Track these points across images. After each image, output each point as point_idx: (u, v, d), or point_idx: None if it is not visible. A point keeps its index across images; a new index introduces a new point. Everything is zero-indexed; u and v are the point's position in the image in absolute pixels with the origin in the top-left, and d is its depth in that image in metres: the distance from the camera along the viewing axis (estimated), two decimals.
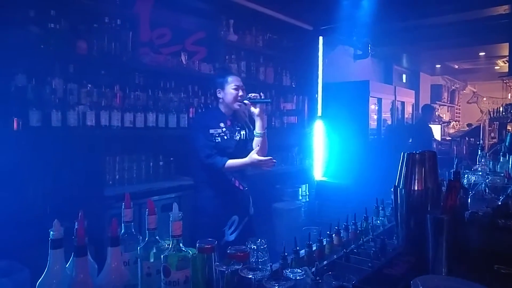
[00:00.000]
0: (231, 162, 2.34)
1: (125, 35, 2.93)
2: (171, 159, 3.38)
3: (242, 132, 2.48)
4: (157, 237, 1.19)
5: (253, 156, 2.33)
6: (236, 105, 2.43)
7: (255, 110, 2.41)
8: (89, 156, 2.71)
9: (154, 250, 1.12)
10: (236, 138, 2.43)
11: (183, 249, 1.11)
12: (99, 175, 2.84)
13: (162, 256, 1.07)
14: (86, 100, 2.70)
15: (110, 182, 2.99)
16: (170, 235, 1.17)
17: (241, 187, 2.48)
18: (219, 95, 2.45)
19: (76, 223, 1.12)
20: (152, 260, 1.12)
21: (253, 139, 2.47)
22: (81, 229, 1.05)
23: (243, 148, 2.45)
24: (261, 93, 2.48)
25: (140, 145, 3.19)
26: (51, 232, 1.00)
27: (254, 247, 1.35)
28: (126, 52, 2.94)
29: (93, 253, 1.33)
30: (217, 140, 2.34)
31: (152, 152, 3.27)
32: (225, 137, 2.37)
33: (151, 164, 3.25)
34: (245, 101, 2.41)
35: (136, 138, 3.09)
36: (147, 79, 3.12)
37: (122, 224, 1.21)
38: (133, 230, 1.21)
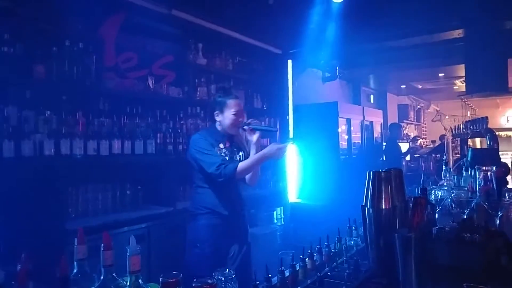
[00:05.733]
0: (243, 163, 2.20)
1: (88, 59, 2.82)
2: (139, 187, 3.26)
3: (241, 153, 2.39)
4: (114, 275, 1.10)
5: (272, 146, 2.24)
6: (234, 131, 2.34)
7: (254, 137, 2.32)
8: (48, 188, 2.54)
9: None
10: (236, 160, 2.32)
11: (143, 286, 1.03)
12: (60, 208, 2.65)
13: None
14: (44, 128, 2.54)
15: (73, 215, 2.81)
16: (127, 272, 1.09)
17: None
18: (217, 118, 2.34)
19: (18, 266, 1.02)
20: None
21: None
22: (23, 273, 0.95)
23: None
24: (262, 122, 2.35)
25: (105, 173, 3.04)
26: None
27: (221, 278, 1.27)
28: (89, 76, 2.83)
29: None
30: None
31: (118, 180, 3.13)
32: (226, 158, 2.26)
33: (118, 193, 3.11)
34: (245, 127, 2.32)
35: (101, 166, 2.94)
36: (112, 104, 3.01)
37: (75, 262, 1.12)
38: (87, 269, 1.12)
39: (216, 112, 2.35)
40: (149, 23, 3.38)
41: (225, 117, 2.31)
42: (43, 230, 2.41)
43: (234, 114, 2.30)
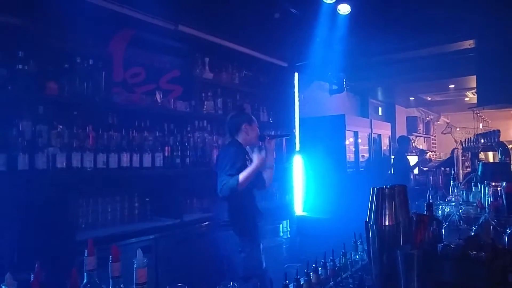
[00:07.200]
0: (242, 175, 2.42)
1: (98, 75, 2.90)
2: (147, 199, 3.30)
3: None
4: (122, 286, 1.13)
5: (259, 155, 2.49)
6: (255, 141, 2.68)
7: (272, 145, 2.72)
8: (60, 200, 2.59)
9: None
10: None
11: None
12: (71, 219, 2.71)
13: None
14: (57, 141, 2.61)
15: (83, 226, 2.87)
16: (134, 283, 1.12)
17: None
18: (245, 129, 2.64)
19: (32, 275, 1.05)
20: None
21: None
22: (36, 283, 0.98)
23: (257, 178, 2.67)
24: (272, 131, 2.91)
25: (114, 186, 3.09)
26: (2, 287, 0.93)
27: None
28: (99, 92, 2.90)
29: None
30: None
31: (127, 193, 3.18)
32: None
33: (126, 205, 3.16)
34: (267, 137, 2.72)
35: (110, 179, 3.00)
36: (121, 118, 3.07)
37: (85, 273, 1.15)
38: (96, 279, 1.15)
39: (244, 124, 2.64)
40: (157, 38, 3.46)
41: (253, 128, 2.66)
42: (54, 240, 2.46)
43: (258, 126, 2.69)
